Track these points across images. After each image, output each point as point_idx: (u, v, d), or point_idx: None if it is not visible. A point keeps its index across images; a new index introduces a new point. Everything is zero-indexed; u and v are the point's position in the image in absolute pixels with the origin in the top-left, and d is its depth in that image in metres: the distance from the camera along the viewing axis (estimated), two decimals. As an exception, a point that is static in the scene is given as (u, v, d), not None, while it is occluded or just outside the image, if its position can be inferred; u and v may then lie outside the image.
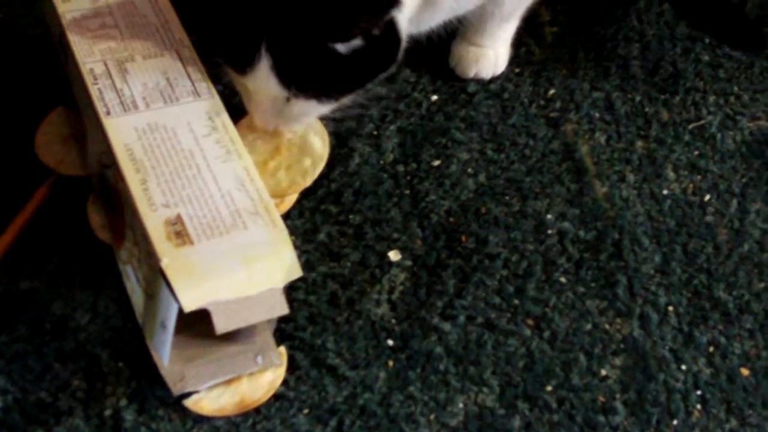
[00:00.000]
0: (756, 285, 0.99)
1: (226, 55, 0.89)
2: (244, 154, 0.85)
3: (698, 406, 0.91)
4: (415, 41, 1.03)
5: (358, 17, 0.84)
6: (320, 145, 0.97)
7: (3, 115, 1.07)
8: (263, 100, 0.91)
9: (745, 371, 0.93)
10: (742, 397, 0.91)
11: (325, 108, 0.94)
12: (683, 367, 0.93)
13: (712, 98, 1.17)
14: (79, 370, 0.89)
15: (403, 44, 0.94)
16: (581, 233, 1.02)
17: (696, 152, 1.11)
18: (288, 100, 0.90)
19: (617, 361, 0.93)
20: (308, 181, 0.96)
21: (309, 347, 0.92)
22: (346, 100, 0.94)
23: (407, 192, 1.05)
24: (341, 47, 0.85)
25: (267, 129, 0.95)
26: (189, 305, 0.75)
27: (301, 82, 0.88)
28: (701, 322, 0.96)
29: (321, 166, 0.96)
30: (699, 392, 0.92)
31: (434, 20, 1.02)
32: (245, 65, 0.88)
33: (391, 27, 0.90)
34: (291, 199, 1.01)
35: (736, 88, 1.18)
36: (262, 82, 0.89)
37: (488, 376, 0.91)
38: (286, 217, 1.00)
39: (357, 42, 0.86)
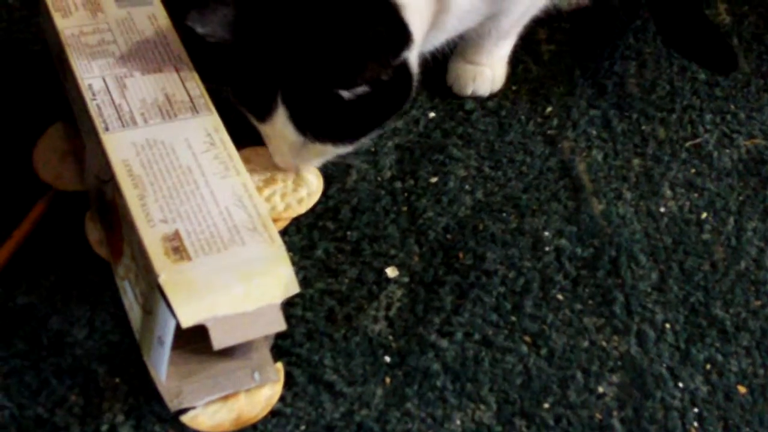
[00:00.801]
0: (753, 303, 1.00)
1: (246, 105, 0.94)
2: (242, 171, 0.85)
3: (695, 424, 0.90)
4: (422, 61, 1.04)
5: (363, 65, 0.87)
6: (315, 181, 1.02)
7: (1, 130, 1.07)
8: (282, 144, 0.95)
9: (742, 389, 0.93)
10: (739, 414, 0.91)
11: (344, 149, 0.97)
12: (680, 384, 0.93)
13: (708, 116, 1.17)
14: (76, 385, 0.89)
15: (416, 80, 0.96)
16: (578, 250, 1.03)
17: (693, 170, 1.11)
18: (305, 143, 0.94)
19: (614, 379, 0.93)
20: (303, 208, 0.99)
21: (306, 363, 0.92)
22: (364, 140, 0.98)
23: (405, 209, 1.05)
24: (346, 93, 0.89)
25: (287, 169, 1.00)
26: (187, 321, 0.75)
27: (316, 129, 0.93)
28: (698, 340, 0.96)
29: (316, 198, 1.01)
30: (696, 410, 0.91)
31: (439, 40, 1.04)
32: (263, 114, 0.93)
33: (403, 68, 0.92)
34: (286, 220, 1.02)
35: (732, 107, 1.19)
36: (279, 129, 0.93)
37: (486, 393, 0.91)
38: (284, 233, 1.00)
39: (363, 88, 0.88)
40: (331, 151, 0.98)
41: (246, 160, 0.95)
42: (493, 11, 1.04)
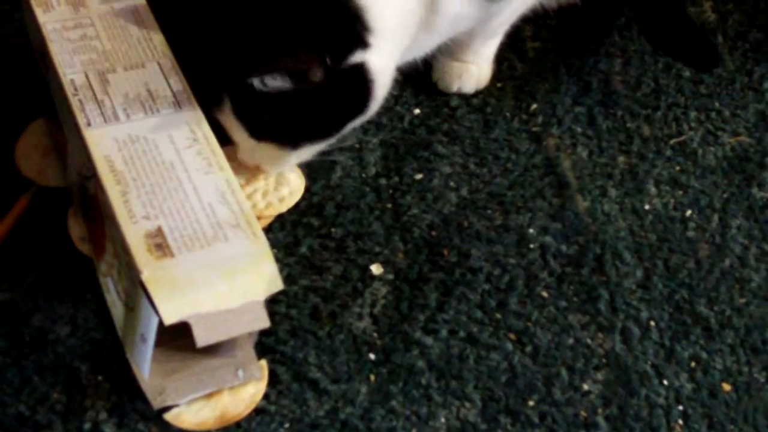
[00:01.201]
0: (737, 300, 1.00)
1: (199, 94, 0.90)
2: (225, 166, 0.85)
3: (680, 422, 0.91)
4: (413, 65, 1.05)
5: (279, 53, 0.84)
6: (297, 179, 1.00)
7: (-17, 126, 1.07)
8: (236, 138, 0.93)
9: (726, 386, 0.93)
10: (723, 412, 0.91)
11: (296, 155, 0.95)
12: (665, 382, 0.93)
13: (693, 114, 1.17)
14: (59, 383, 0.88)
15: (383, 89, 0.93)
16: (563, 248, 1.02)
17: (677, 168, 1.11)
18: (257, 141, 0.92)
19: (599, 376, 0.93)
20: (284, 207, 0.98)
21: (290, 361, 0.91)
22: (317, 148, 0.95)
23: (389, 205, 1.05)
24: (257, 83, 0.85)
25: (247, 165, 0.96)
26: (169, 318, 0.75)
27: (258, 126, 0.90)
28: (683, 337, 0.96)
29: (298, 197, 0.99)
30: (681, 407, 0.91)
31: (430, 45, 1.03)
32: (214, 104, 0.90)
33: (357, 74, 0.89)
34: (267, 219, 1.01)
35: (717, 104, 1.19)
36: (228, 123, 0.91)
37: (470, 390, 0.91)
38: (268, 230, 1.00)
39: (280, 82, 0.85)
40: (283, 155, 0.94)
41: (228, 158, 0.94)
42: (485, 17, 1.04)
